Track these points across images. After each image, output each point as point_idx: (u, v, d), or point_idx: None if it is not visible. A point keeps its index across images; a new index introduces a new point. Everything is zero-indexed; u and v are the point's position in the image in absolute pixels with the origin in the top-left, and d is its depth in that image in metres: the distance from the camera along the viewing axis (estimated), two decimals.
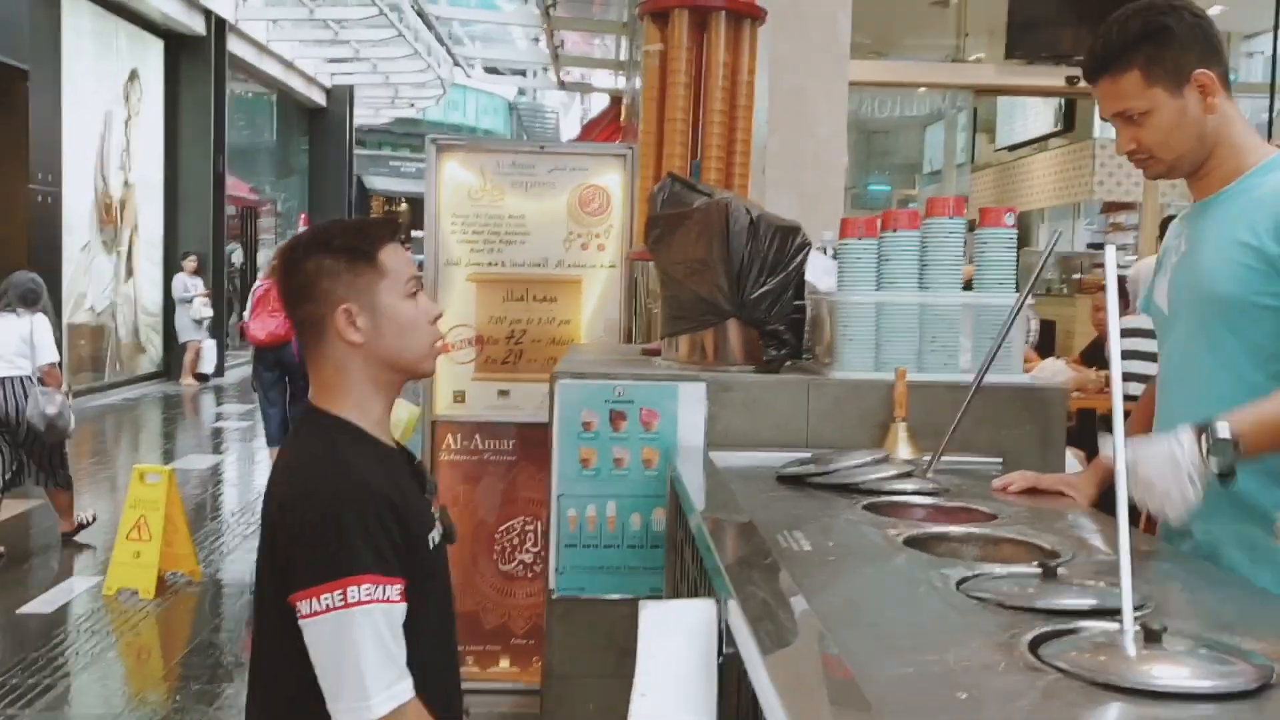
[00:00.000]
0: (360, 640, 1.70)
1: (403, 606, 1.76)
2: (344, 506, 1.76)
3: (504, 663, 4.07)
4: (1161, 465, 1.80)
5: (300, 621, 1.73)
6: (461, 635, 4.03)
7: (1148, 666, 1.19)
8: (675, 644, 1.47)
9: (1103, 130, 14.62)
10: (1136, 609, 1.41)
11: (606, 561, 2.64)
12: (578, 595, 2.65)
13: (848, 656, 1.23)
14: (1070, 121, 13.80)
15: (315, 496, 1.79)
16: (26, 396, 6.41)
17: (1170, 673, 1.19)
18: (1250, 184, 2.04)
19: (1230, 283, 1.99)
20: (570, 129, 33.34)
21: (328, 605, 1.70)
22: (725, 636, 1.53)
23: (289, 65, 20.70)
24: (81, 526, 6.95)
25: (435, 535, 1.93)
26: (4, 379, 6.43)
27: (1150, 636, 1.22)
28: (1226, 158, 2.07)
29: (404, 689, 1.74)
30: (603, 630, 2.63)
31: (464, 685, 3.91)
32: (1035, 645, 1.29)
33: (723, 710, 1.51)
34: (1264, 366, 1.98)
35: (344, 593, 1.70)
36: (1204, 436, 1.80)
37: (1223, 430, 1.79)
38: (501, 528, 4.09)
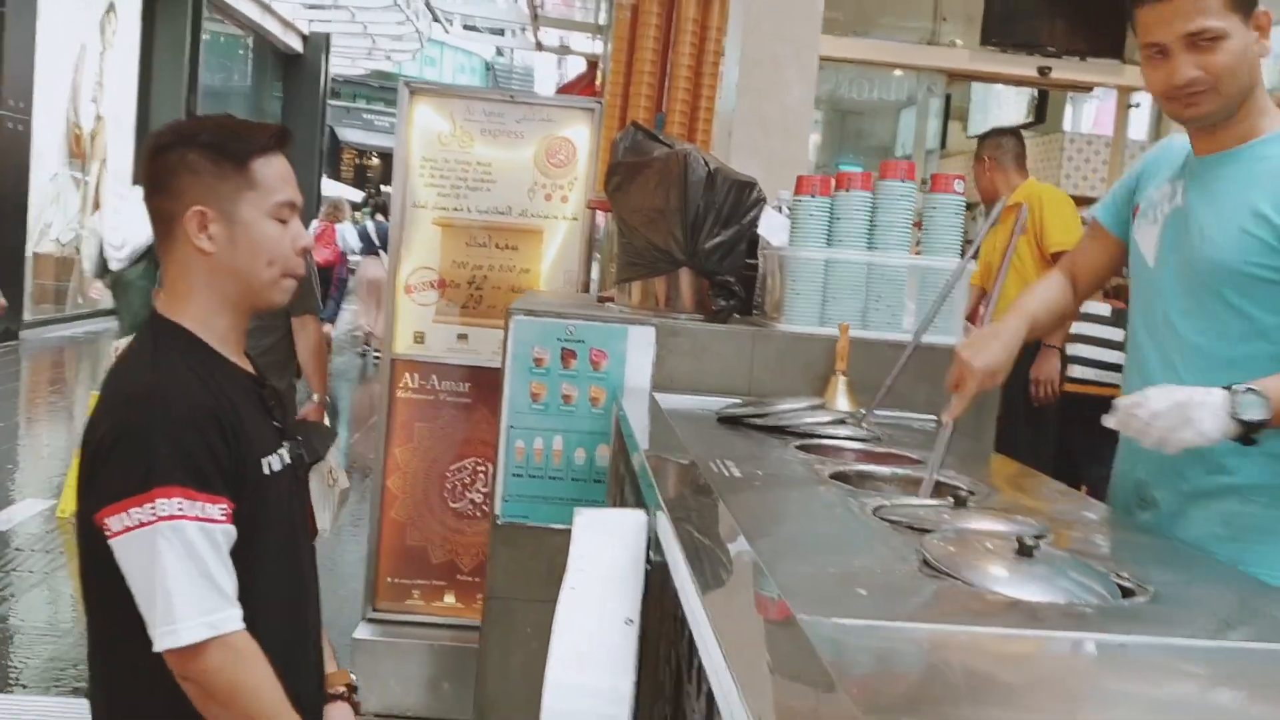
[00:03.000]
0: (169, 558, 1.56)
1: (227, 529, 1.63)
2: (154, 415, 1.62)
3: (449, 598, 4.15)
4: (1177, 403, 1.78)
5: (109, 541, 1.59)
6: (409, 570, 4.16)
7: (1012, 573, 1.30)
8: (606, 546, 1.56)
9: (1073, 124, 14.76)
10: (1036, 538, 1.52)
11: (550, 492, 2.73)
12: (521, 522, 2.74)
13: (763, 561, 1.33)
14: (1041, 114, 13.92)
15: (125, 404, 1.66)
16: None
17: (1022, 580, 1.30)
18: (1269, 151, 1.99)
19: (1235, 251, 1.96)
20: (546, 92, 33.23)
21: (138, 521, 1.57)
22: (653, 545, 1.62)
23: (266, 8, 20.54)
24: None
25: (275, 462, 1.77)
26: None
27: (1023, 550, 1.32)
28: (1248, 115, 2.01)
29: (226, 619, 1.60)
30: (544, 557, 2.73)
31: (410, 618, 4.09)
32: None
33: (647, 616, 1.61)
34: (1252, 340, 1.97)
35: (153, 506, 1.56)
36: (1233, 398, 1.77)
37: (1257, 405, 1.77)
38: (453, 466, 4.17)
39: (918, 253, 2.87)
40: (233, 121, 1.79)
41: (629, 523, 1.65)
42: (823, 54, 4.89)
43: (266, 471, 1.73)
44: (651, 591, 1.62)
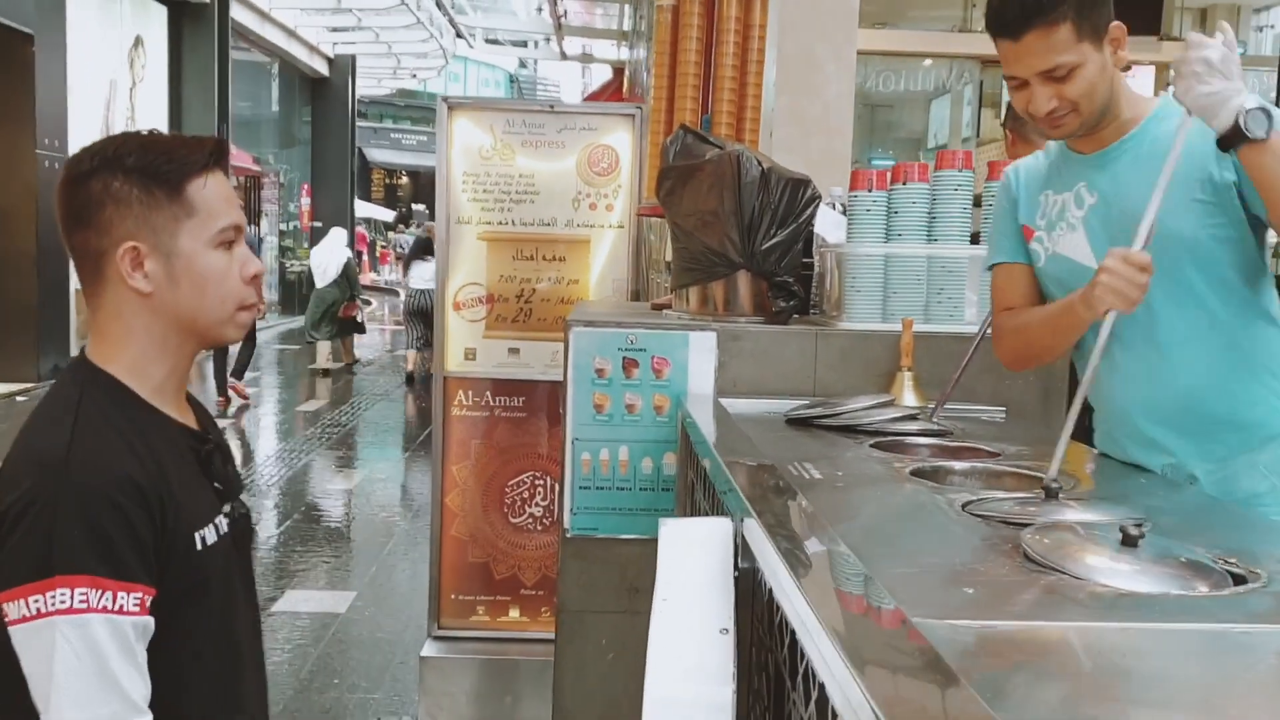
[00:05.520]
0: (65, 657, 1.35)
1: (141, 621, 1.41)
2: (65, 487, 1.40)
3: (514, 612, 4.15)
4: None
5: (9, 628, 1.38)
6: (472, 587, 4.16)
7: (1118, 564, 1.27)
8: (694, 556, 1.54)
9: None
10: (1138, 525, 1.49)
11: (618, 503, 2.72)
12: (591, 535, 2.72)
13: (863, 563, 1.30)
14: None
15: (35, 470, 1.43)
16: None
17: (1133, 573, 1.26)
18: (1157, 129, 2.05)
19: (1188, 219, 2.00)
20: (572, 100, 33.33)
21: (36, 610, 1.36)
22: (739, 552, 1.60)
23: (291, 33, 20.71)
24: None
25: (210, 533, 1.55)
26: (426, 291, 11.96)
27: (1127, 540, 1.29)
28: (1124, 108, 2.08)
29: None
30: (615, 568, 2.71)
31: (476, 634, 4.09)
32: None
33: (737, 624, 1.58)
34: (1229, 301, 2.05)
35: (52, 596, 1.35)
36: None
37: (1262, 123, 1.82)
38: (511, 481, 4.16)
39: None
40: (160, 139, 1.58)
41: (714, 531, 1.63)
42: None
43: (199, 547, 1.52)
44: (741, 599, 1.60)
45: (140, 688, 1.41)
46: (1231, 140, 1.85)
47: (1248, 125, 1.81)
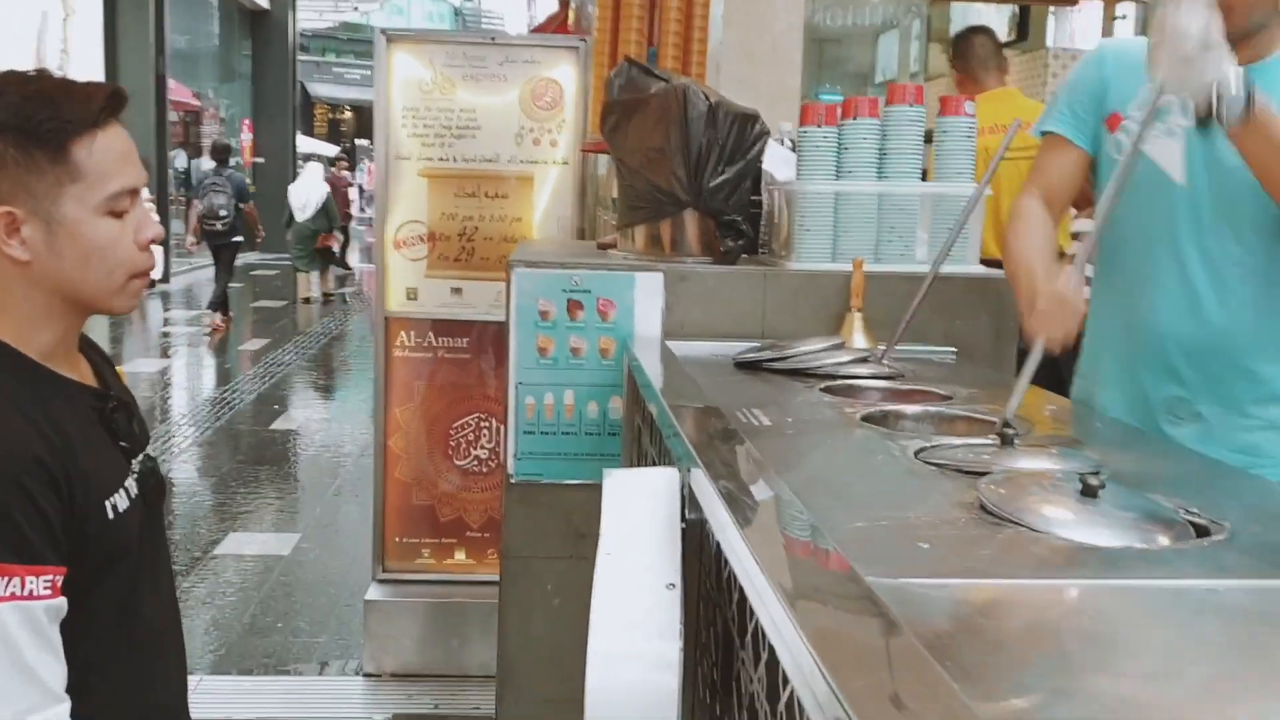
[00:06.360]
0: None
1: (57, 603, 1.33)
2: None
3: (459, 555, 4.10)
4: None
5: None
6: (417, 529, 4.09)
7: (1078, 516, 1.23)
8: (639, 507, 1.49)
9: (1056, 40, 14.59)
10: (1095, 474, 1.45)
11: (564, 448, 2.65)
12: (536, 480, 2.66)
13: (815, 517, 1.25)
14: (1024, 30, 13.74)
15: None
16: None
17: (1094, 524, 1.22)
18: None
19: None
20: (517, 35, 32.92)
21: None
22: (687, 503, 1.55)
23: None
24: None
25: (120, 499, 1.45)
26: None
27: (1087, 490, 1.25)
28: (1274, 29, 1.95)
29: (51, 717, 1.31)
30: (560, 514, 2.66)
31: (422, 577, 4.03)
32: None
33: (684, 577, 1.53)
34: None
35: None
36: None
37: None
38: (456, 423, 4.09)
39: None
40: (45, 87, 1.39)
41: (661, 481, 1.57)
42: None
43: (111, 515, 1.42)
44: (689, 550, 1.55)
45: (57, 674, 1.34)
46: (1208, 121, 1.80)
47: (1219, 112, 1.76)
